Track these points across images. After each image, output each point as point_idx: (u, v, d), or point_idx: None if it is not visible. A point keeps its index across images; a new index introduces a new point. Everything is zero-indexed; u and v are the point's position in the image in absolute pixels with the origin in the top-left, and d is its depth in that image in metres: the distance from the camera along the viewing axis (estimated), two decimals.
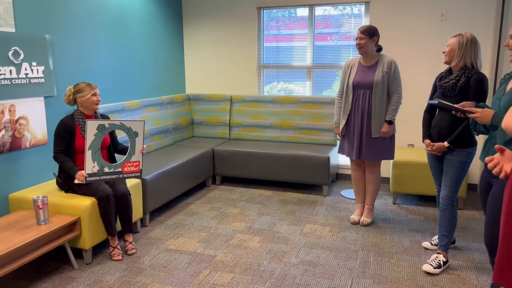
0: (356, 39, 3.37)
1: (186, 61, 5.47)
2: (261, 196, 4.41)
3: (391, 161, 4.16)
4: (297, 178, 4.45)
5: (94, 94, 2.99)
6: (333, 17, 4.88)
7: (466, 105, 2.26)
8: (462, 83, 2.62)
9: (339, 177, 5.01)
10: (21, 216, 2.84)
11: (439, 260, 2.80)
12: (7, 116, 3.00)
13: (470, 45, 2.64)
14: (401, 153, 4.26)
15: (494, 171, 1.39)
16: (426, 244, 3.18)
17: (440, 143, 2.71)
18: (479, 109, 2.04)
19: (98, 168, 2.91)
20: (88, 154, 2.84)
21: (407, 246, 3.22)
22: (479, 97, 2.55)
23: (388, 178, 4.71)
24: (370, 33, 3.35)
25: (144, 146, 3.13)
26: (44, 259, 3.00)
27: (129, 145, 3.06)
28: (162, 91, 5.01)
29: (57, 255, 3.04)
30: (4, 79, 2.95)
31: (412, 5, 4.41)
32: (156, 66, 4.86)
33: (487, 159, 1.43)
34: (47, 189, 3.13)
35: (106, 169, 2.95)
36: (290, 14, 5.03)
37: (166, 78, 5.10)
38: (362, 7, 4.69)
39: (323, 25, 4.91)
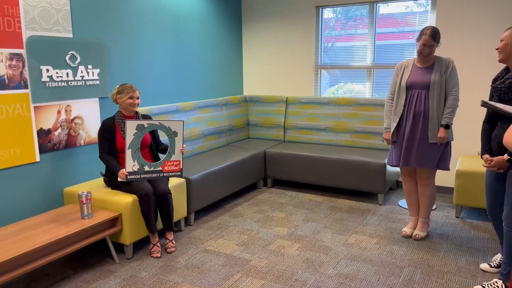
0: (425, 46, 3.03)
1: (244, 63, 5.50)
2: (310, 201, 4.26)
3: (455, 170, 3.76)
4: (350, 185, 4.23)
5: (131, 97, 3.09)
6: (396, 15, 4.56)
7: None
8: None
9: (399, 185, 4.67)
10: (71, 209, 3.04)
11: (497, 286, 2.45)
12: (63, 116, 3.23)
13: None
14: (467, 162, 3.84)
15: None
16: (484, 266, 2.81)
17: (499, 157, 2.33)
18: None
19: (138, 167, 3.01)
20: (128, 153, 2.95)
21: (462, 266, 2.88)
22: None
23: (452, 189, 4.28)
24: (438, 38, 3.04)
25: (184, 145, 3.17)
26: (91, 251, 3.17)
27: (169, 145, 3.13)
28: (219, 93, 5.08)
29: (103, 249, 3.20)
30: (62, 81, 3.18)
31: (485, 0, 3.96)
32: (213, 68, 4.94)
33: None
34: (97, 184, 3.31)
35: (146, 168, 3.04)
36: (349, 12, 4.81)
37: (224, 79, 5.16)
38: (429, 3, 4.32)
39: (385, 24, 4.62)
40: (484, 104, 2.09)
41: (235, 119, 5.08)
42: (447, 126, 3.05)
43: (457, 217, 3.79)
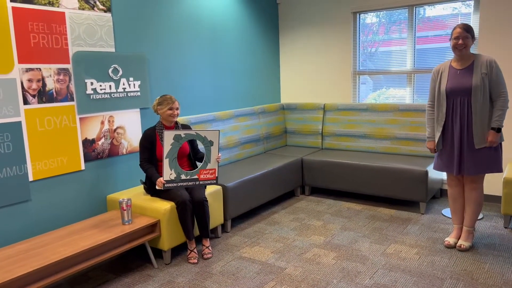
0: (458, 38, 2.97)
1: (281, 70, 5.52)
2: (349, 209, 4.19)
3: (502, 177, 3.57)
4: (390, 193, 4.12)
5: (170, 109, 3.20)
6: (436, 17, 4.42)
7: None
8: None
9: (443, 193, 4.49)
10: (113, 215, 3.18)
11: None
12: (106, 126, 3.40)
13: None
14: None
15: None
16: None
17: None
18: None
19: (175, 175, 3.10)
20: (165, 162, 3.05)
21: (509, 279, 2.72)
22: None
23: (499, 197, 4.05)
24: (472, 32, 2.97)
25: (219, 154, 3.23)
26: (131, 256, 3.30)
27: (205, 154, 3.20)
28: (257, 101, 5.14)
29: (142, 254, 3.31)
30: (105, 93, 3.35)
31: None
32: (250, 76, 5.00)
33: None
34: (138, 192, 3.44)
35: (183, 176, 3.13)
36: (387, 16, 4.72)
37: (261, 88, 5.21)
38: (471, 4, 4.16)
39: (425, 27, 4.49)
40: None
41: (272, 126, 5.11)
42: (498, 130, 2.92)
43: (505, 227, 3.58)
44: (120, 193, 3.45)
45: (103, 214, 3.23)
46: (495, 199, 4.13)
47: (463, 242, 3.20)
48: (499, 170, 3.04)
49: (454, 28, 2.99)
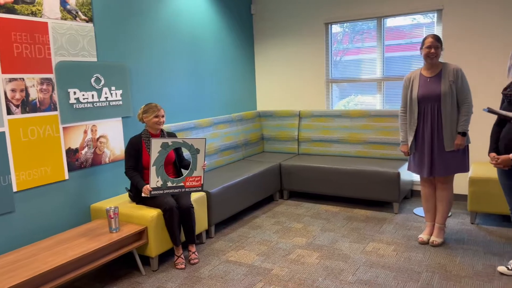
0: (430, 48, 3.19)
1: (257, 79, 5.67)
2: (327, 212, 4.36)
3: (468, 177, 3.84)
4: (365, 195, 4.32)
5: (156, 116, 3.26)
6: (403, 27, 4.70)
7: None
8: None
9: (414, 194, 4.75)
10: (98, 224, 3.18)
11: None
12: (89, 135, 3.40)
13: None
14: (480, 169, 3.92)
15: None
16: (502, 268, 2.88)
17: (505, 156, 2.49)
18: None
19: (162, 183, 3.15)
20: (152, 170, 3.10)
21: (479, 270, 2.94)
22: None
23: (466, 196, 4.34)
24: (441, 42, 3.23)
25: (205, 162, 3.31)
26: (118, 264, 3.30)
27: (191, 161, 3.27)
28: (234, 109, 5.24)
29: (129, 262, 3.33)
30: (87, 102, 3.36)
31: (489, 9, 4.09)
32: (227, 85, 5.11)
33: None
34: (122, 200, 3.46)
35: (169, 184, 3.19)
36: (358, 27, 4.97)
37: (238, 96, 5.33)
38: (434, 16, 4.46)
39: (393, 36, 4.76)
40: (489, 110, 2.21)
41: (250, 133, 5.23)
42: (464, 134, 3.16)
43: (472, 223, 3.85)
44: (104, 202, 3.46)
45: (88, 223, 3.23)
46: (461, 198, 4.41)
47: (435, 238, 3.41)
48: (466, 170, 3.28)
49: (426, 38, 3.22)
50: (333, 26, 5.10)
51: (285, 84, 5.46)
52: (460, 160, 3.25)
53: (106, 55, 3.54)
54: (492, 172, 3.74)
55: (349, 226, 3.91)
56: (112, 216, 2.98)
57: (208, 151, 4.48)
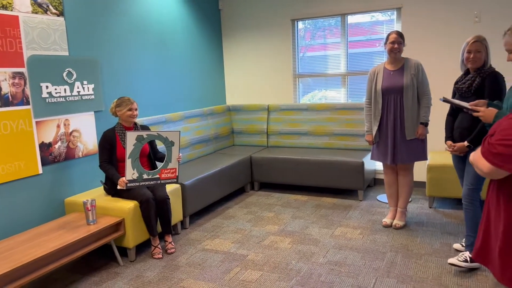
0: (394, 43, 3.41)
1: (226, 74, 5.77)
2: (296, 201, 4.55)
3: (426, 164, 4.14)
4: (332, 184, 4.54)
5: (130, 109, 3.31)
6: (365, 24, 4.95)
7: (479, 104, 2.29)
8: (477, 84, 2.64)
9: (377, 182, 5.03)
10: (74, 218, 3.21)
11: (466, 256, 2.80)
12: (62, 130, 3.41)
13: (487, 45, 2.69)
14: (437, 157, 4.23)
15: None
16: (456, 245, 3.17)
17: (460, 143, 2.74)
18: (483, 108, 2.08)
19: (138, 175, 3.22)
20: (128, 162, 3.16)
21: (437, 248, 3.22)
22: (495, 96, 2.56)
23: (424, 182, 4.66)
24: (404, 38, 3.45)
25: (180, 154, 3.40)
26: (95, 256, 3.34)
27: (166, 154, 3.35)
28: (204, 103, 5.33)
29: (106, 253, 3.37)
30: (60, 96, 3.36)
31: (444, 8, 4.40)
32: (198, 80, 5.19)
33: None
34: (97, 194, 3.49)
35: (145, 176, 3.25)
36: (323, 24, 5.17)
37: (208, 90, 5.41)
38: (394, 13, 4.73)
39: (356, 33, 5.00)
40: (444, 100, 2.45)
41: (221, 127, 5.34)
42: (426, 124, 3.42)
43: (430, 207, 4.15)
44: (78, 195, 3.47)
45: (64, 216, 3.25)
46: (420, 184, 4.73)
47: (398, 221, 3.67)
48: (425, 158, 3.55)
49: (390, 34, 3.44)
50: (299, 22, 5.29)
51: (253, 78, 5.60)
52: (419, 148, 3.51)
53: (78, 49, 3.54)
54: (448, 160, 4.05)
55: (317, 213, 4.12)
56: (89, 209, 3.01)
57: (180, 144, 4.55)
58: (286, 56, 5.34)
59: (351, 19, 4.99)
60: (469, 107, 2.23)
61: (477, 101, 2.31)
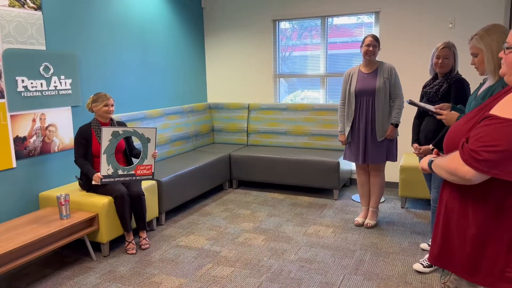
0: (369, 46, 3.49)
1: (207, 72, 5.81)
2: (273, 199, 4.61)
3: (399, 166, 4.24)
4: (308, 183, 4.62)
5: (106, 105, 3.33)
6: (345, 26, 5.04)
7: (443, 107, 2.38)
8: (444, 89, 2.74)
9: (352, 182, 5.12)
10: (48, 212, 3.21)
11: None
12: (38, 124, 3.40)
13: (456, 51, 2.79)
14: (409, 158, 4.34)
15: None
16: (423, 245, 3.27)
17: (426, 146, 2.84)
18: (446, 111, 2.17)
19: (113, 171, 3.24)
20: (103, 158, 3.17)
21: (405, 247, 3.32)
22: (460, 101, 2.66)
23: (397, 183, 4.77)
24: (379, 42, 3.54)
25: (156, 151, 3.43)
26: (68, 251, 3.35)
27: (142, 150, 3.37)
28: (185, 100, 5.35)
29: (79, 248, 3.38)
30: (36, 91, 3.35)
31: (421, 14, 4.51)
32: (178, 77, 5.21)
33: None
34: (72, 188, 3.49)
35: (120, 172, 3.27)
36: (304, 25, 5.24)
37: (189, 88, 5.44)
38: (373, 17, 4.83)
39: (336, 35, 5.08)
40: (410, 102, 2.54)
41: (201, 125, 5.37)
42: (396, 125, 3.52)
43: (402, 207, 4.26)
44: (53, 190, 3.47)
45: (37, 211, 3.25)
46: (393, 185, 4.84)
47: (369, 221, 3.77)
48: (395, 159, 3.64)
49: (366, 37, 3.53)
50: (281, 22, 5.34)
51: (235, 77, 5.64)
52: (389, 150, 3.61)
53: (55, 43, 3.54)
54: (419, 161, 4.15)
55: (293, 212, 4.19)
56: (62, 203, 3.03)
57: (159, 141, 4.57)
58: (267, 55, 5.39)
59: (332, 21, 5.06)
60: (434, 110, 2.31)
61: (441, 104, 2.40)
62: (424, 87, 2.97)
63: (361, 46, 3.57)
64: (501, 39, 1.87)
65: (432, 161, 1.53)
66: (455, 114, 2.13)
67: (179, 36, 5.20)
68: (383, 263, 3.05)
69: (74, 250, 3.37)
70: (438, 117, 2.22)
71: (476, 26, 4.27)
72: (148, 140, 3.38)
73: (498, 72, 1.93)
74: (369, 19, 4.89)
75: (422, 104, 2.44)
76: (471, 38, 2.05)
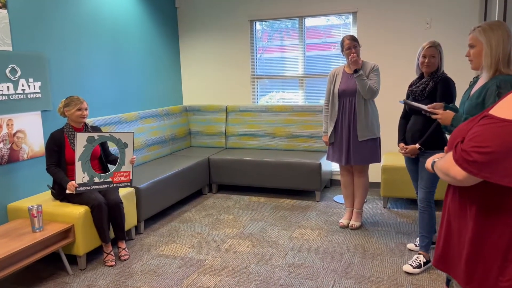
0: (350, 49, 3.42)
1: (182, 73, 5.65)
2: (255, 203, 4.52)
3: (381, 166, 4.24)
4: (290, 185, 4.55)
5: (79, 109, 3.13)
6: (322, 27, 5.02)
7: (436, 106, 2.35)
8: (430, 88, 2.73)
9: (333, 183, 5.10)
10: (19, 224, 2.99)
11: (420, 261, 2.87)
12: (5, 130, 3.17)
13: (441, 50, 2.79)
14: (390, 158, 4.34)
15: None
16: (410, 245, 3.25)
17: (412, 146, 2.82)
18: (441, 111, 2.14)
19: (88, 178, 3.05)
20: (78, 165, 2.98)
21: (392, 248, 3.29)
22: (446, 99, 2.66)
23: (379, 183, 4.78)
24: (357, 40, 3.48)
25: (134, 156, 3.26)
26: (41, 265, 3.13)
27: (119, 156, 3.20)
28: (160, 103, 5.18)
29: (54, 262, 3.17)
30: (2, 95, 3.12)
31: (398, 14, 4.54)
32: (153, 79, 5.03)
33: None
34: (43, 198, 3.28)
35: (96, 179, 3.09)
36: (281, 24, 5.18)
37: (164, 90, 5.27)
38: (350, 17, 4.82)
39: (313, 36, 5.05)
40: (404, 102, 2.51)
41: (177, 128, 5.21)
42: (356, 71, 3.37)
43: (384, 207, 4.26)
44: (23, 201, 3.25)
45: (6, 223, 3.02)
46: (375, 185, 4.85)
47: (354, 222, 3.73)
48: (378, 160, 3.62)
49: (343, 40, 3.47)
50: (259, 24, 5.26)
51: (211, 79, 5.52)
52: (372, 151, 3.58)
53: (23, 44, 3.31)
54: (401, 161, 4.17)
55: (276, 215, 4.10)
56: (35, 215, 2.82)
57: (135, 145, 4.39)
58: (244, 56, 5.30)
59: (309, 22, 5.03)
60: (428, 109, 2.28)
61: (434, 104, 2.37)
62: (410, 86, 2.96)
63: (342, 51, 3.52)
64: (502, 37, 1.85)
65: (435, 162, 1.48)
66: (450, 113, 2.10)
67: (153, 36, 5.03)
68: (372, 265, 3.01)
69: (49, 264, 3.15)
70: (434, 116, 2.19)
71: (452, 27, 4.34)
72: (126, 145, 3.21)
73: (493, 68, 1.91)
74: (345, 20, 4.88)
75: (415, 104, 2.41)
76: (473, 29, 2.02)
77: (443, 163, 1.39)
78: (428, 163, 1.53)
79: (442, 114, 2.12)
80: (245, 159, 4.67)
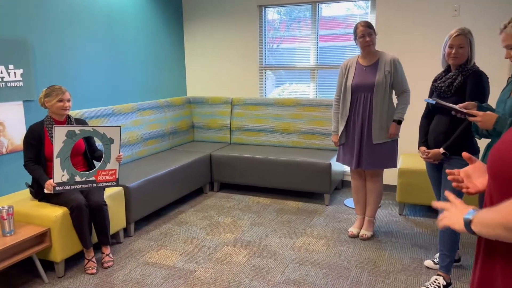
0: (364, 36, 3.03)
1: (187, 63, 5.31)
2: (258, 204, 4.17)
3: (397, 168, 3.82)
4: (296, 186, 4.18)
5: (61, 100, 2.82)
6: (337, 17, 4.59)
7: (468, 106, 1.95)
8: (458, 83, 2.31)
9: (344, 185, 4.70)
10: None
11: (439, 283, 2.49)
12: None
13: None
14: (409, 160, 3.93)
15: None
16: (428, 262, 2.85)
17: (435, 150, 2.42)
18: (481, 112, 1.74)
19: (68, 177, 2.74)
20: (56, 162, 2.68)
21: (407, 264, 2.90)
22: (477, 98, 2.23)
23: (395, 187, 4.37)
24: (373, 27, 3.08)
25: (121, 153, 2.94)
26: (15, 271, 2.86)
27: (104, 153, 2.89)
28: (161, 94, 4.86)
29: (29, 268, 2.90)
30: None
31: (421, 0, 4.08)
32: (153, 68, 4.70)
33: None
34: (21, 197, 3.00)
35: (78, 178, 2.79)
36: (293, 13, 4.77)
37: (166, 80, 4.94)
38: (369, 3, 4.38)
39: (327, 25, 4.63)
40: (436, 103, 2.09)
41: (179, 121, 4.88)
42: (399, 122, 3.08)
43: (400, 214, 3.85)
44: (0, 199, 2.97)
45: None
46: (390, 188, 4.43)
47: (365, 232, 3.35)
48: (394, 165, 3.20)
49: (356, 28, 3.06)
50: (269, 12, 4.86)
51: (217, 69, 5.16)
52: (388, 155, 3.17)
53: (3, 28, 3.01)
54: (420, 164, 3.75)
55: (279, 220, 3.75)
56: (5, 217, 2.54)
57: (130, 140, 4.08)
58: (252, 45, 4.91)
59: (324, 11, 4.61)
60: (464, 110, 1.87)
61: (466, 103, 1.96)
62: (435, 80, 2.53)
63: (355, 39, 3.11)
64: None
65: (470, 219, 0.99)
66: (493, 115, 1.70)
67: (155, 24, 4.69)
68: (383, 285, 2.64)
69: (23, 270, 2.88)
70: (471, 119, 1.79)
71: (482, 15, 3.86)
72: (111, 140, 2.89)
73: None
74: (365, 9, 4.43)
75: (447, 103, 2.00)
76: (504, 27, 1.62)
77: (506, 214, 0.90)
78: (457, 220, 1.04)
79: (483, 116, 1.71)
80: (249, 157, 4.32)
